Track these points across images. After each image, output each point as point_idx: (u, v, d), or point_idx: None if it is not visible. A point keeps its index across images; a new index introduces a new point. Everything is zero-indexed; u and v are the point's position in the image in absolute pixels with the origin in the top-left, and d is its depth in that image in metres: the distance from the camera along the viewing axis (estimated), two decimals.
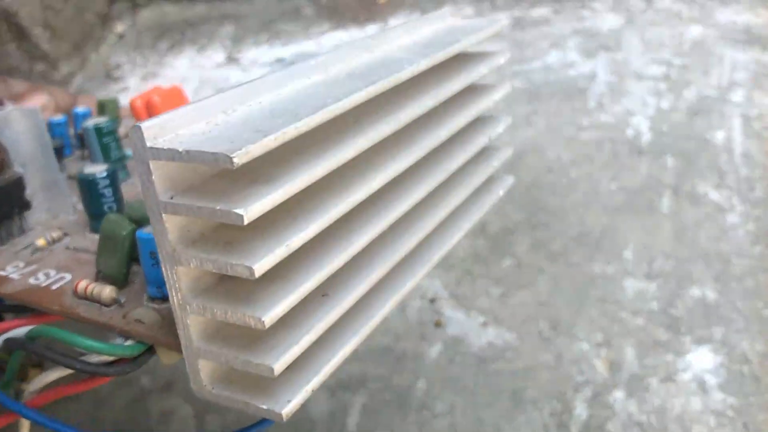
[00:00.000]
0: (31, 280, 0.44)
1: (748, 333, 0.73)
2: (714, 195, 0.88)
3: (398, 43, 0.47)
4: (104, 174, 0.47)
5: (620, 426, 0.65)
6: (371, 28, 1.23)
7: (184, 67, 1.19)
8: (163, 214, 0.32)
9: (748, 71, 1.07)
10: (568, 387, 0.68)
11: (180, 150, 0.30)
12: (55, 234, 0.48)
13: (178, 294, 0.34)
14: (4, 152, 0.47)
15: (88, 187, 0.47)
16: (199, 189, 0.32)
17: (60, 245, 0.48)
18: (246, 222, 0.30)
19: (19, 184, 0.48)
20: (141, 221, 0.43)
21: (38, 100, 0.68)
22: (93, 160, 0.55)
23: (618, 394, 0.68)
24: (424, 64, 0.42)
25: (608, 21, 1.19)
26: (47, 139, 0.49)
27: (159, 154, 0.30)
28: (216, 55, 1.21)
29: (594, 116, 1.00)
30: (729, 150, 0.94)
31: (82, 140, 0.62)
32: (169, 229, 0.32)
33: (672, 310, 0.75)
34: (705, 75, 1.07)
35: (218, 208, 0.30)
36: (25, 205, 0.49)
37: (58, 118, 0.61)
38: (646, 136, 0.97)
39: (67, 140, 0.62)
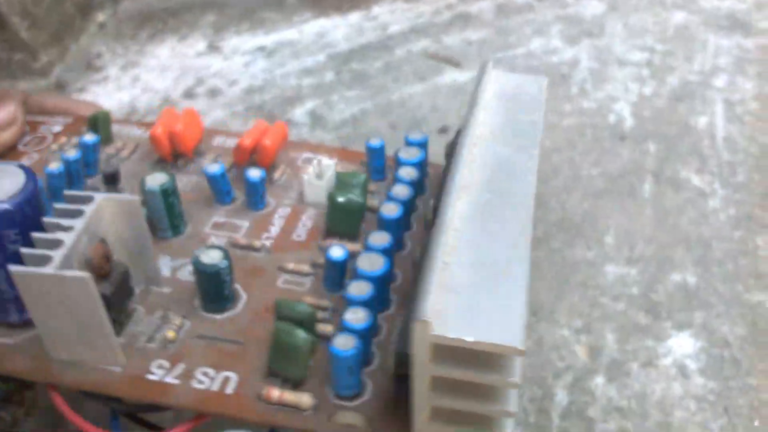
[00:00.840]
0: (196, 384, 0.42)
1: (729, 317, 0.73)
2: (696, 180, 0.88)
3: (490, 129, 0.49)
4: (226, 263, 0.45)
5: (600, 411, 0.65)
6: (354, 16, 1.22)
7: (165, 56, 1.18)
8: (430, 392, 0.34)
9: (731, 56, 1.07)
10: (548, 373, 0.68)
11: (469, 340, 0.31)
12: (177, 321, 0.47)
13: None
14: (107, 249, 0.45)
15: (211, 278, 0.45)
16: (464, 359, 0.33)
17: (183, 332, 0.46)
18: None
19: (127, 276, 0.46)
20: (295, 318, 0.43)
21: (4, 113, 0.63)
22: (156, 218, 0.53)
23: (598, 380, 0.67)
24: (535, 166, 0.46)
25: (591, 7, 1.19)
26: (144, 225, 0.46)
27: (443, 341, 0.32)
28: (197, 43, 1.20)
29: (576, 102, 1.00)
30: (711, 135, 0.94)
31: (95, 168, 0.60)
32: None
33: (652, 295, 0.75)
34: (688, 61, 1.07)
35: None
36: (131, 293, 0.47)
37: (72, 155, 0.56)
38: (629, 122, 0.96)
39: (80, 175, 0.58)
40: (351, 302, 0.42)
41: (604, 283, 0.76)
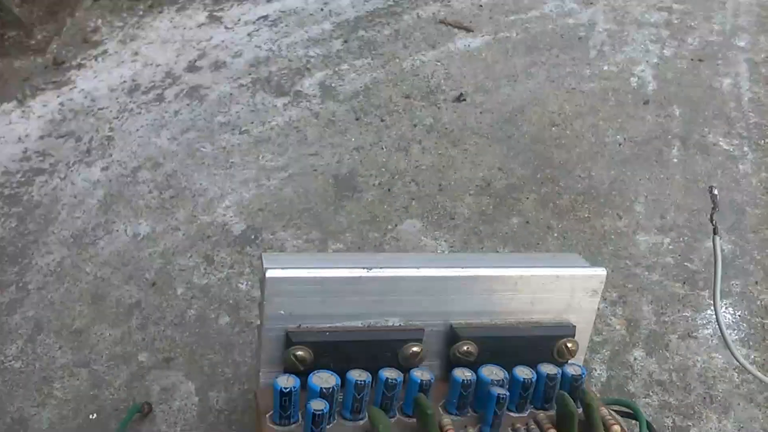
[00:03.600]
0: None
1: (767, 285, 0.70)
2: (724, 143, 0.85)
3: None
4: None
5: (641, 386, 0.63)
6: None
7: (165, 29, 1.13)
8: None
9: (751, 15, 1.04)
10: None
11: None
12: None
13: None
14: None
15: None
16: None
17: None
18: None
19: None
20: None
21: None
22: None
23: (637, 353, 0.65)
24: None
25: None
26: None
27: None
28: (197, 14, 1.16)
29: (595, 66, 0.96)
30: (737, 97, 0.91)
31: None
32: None
33: (688, 264, 0.73)
34: (707, 20, 1.03)
35: None
36: None
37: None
38: (651, 85, 0.93)
39: None
40: None
41: (637, 253, 0.74)
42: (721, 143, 0.85)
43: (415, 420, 0.43)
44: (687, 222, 0.76)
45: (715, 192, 0.54)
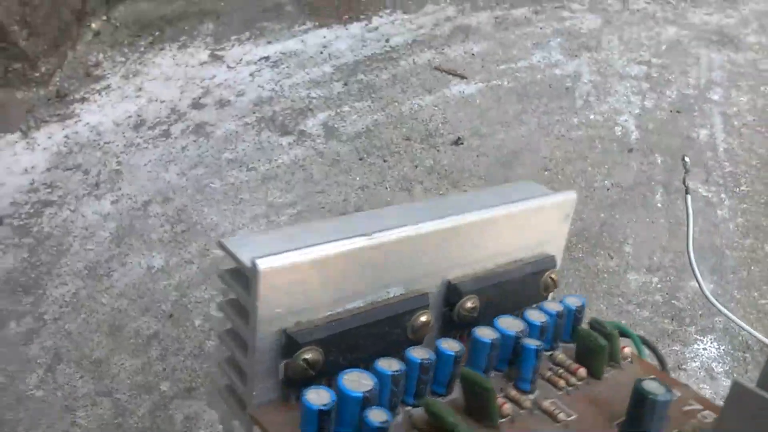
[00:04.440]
0: None
1: (747, 321, 0.76)
2: (703, 190, 0.92)
3: None
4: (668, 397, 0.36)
5: None
6: (355, 27, 1.23)
7: (167, 65, 1.17)
8: None
9: (724, 70, 1.12)
10: None
11: None
12: None
13: None
14: None
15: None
16: None
17: None
18: None
19: None
20: None
21: None
22: None
23: None
24: None
25: (587, 21, 1.23)
26: None
27: None
28: (199, 53, 1.20)
29: (582, 115, 1.03)
30: (713, 147, 0.98)
31: None
32: None
33: (675, 302, 0.78)
34: (684, 74, 1.11)
35: None
36: None
37: None
38: (634, 134, 1.00)
39: None
40: None
41: (628, 291, 0.79)
42: (700, 190, 0.92)
43: (459, 398, 0.38)
44: (672, 262, 0.82)
45: (687, 159, 0.59)
